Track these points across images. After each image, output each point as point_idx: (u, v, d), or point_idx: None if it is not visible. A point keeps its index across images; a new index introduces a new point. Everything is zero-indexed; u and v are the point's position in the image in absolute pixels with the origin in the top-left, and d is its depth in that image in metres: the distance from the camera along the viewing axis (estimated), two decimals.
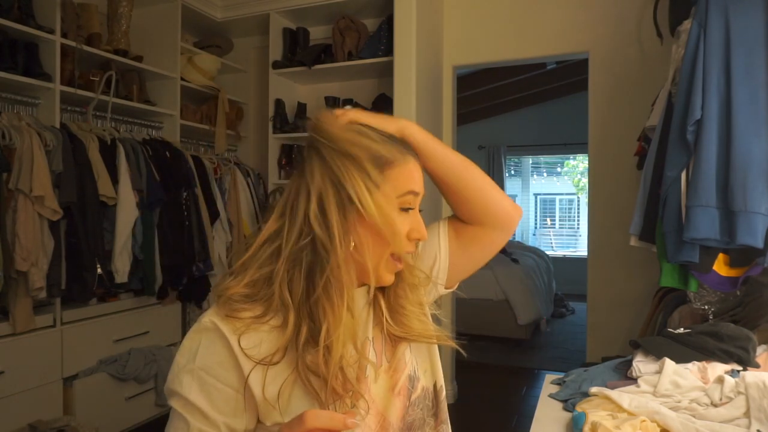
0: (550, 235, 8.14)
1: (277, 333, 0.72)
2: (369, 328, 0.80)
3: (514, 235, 7.97)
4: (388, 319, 0.81)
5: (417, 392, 0.82)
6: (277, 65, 3.32)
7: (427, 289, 0.87)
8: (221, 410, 0.69)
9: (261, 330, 0.71)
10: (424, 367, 0.86)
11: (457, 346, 0.82)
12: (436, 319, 0.91)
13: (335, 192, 0.72)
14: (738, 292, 1.74)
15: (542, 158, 8.11)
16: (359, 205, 0.71)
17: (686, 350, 1.33)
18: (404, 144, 0.79)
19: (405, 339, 0.82)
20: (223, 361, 0.70)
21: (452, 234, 0.89)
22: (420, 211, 0.80)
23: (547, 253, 6.81)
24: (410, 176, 0.77)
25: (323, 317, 0.70)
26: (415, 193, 0.78)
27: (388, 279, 0.78)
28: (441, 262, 0.88)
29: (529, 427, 1.20)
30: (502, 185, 7.67)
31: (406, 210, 0.77)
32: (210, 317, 0.72)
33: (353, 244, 0.73)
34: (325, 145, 0.73)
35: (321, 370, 0.69)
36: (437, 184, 0.86)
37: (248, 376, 0.69)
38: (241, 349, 0.69)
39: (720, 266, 1.65)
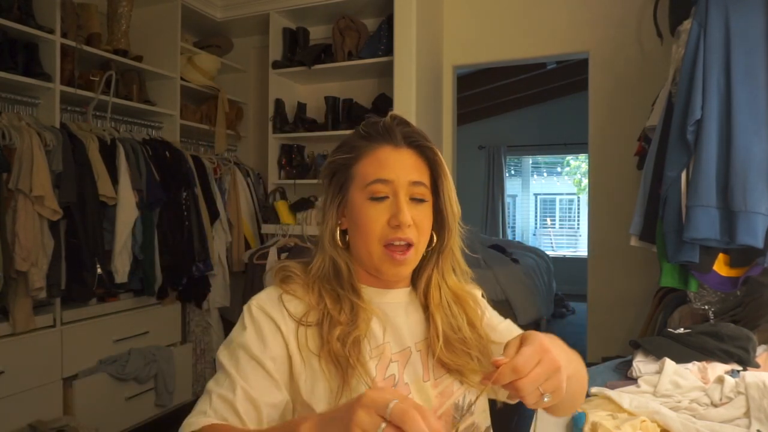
0: (550, 235, 8.13)
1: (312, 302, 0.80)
2: (411, 336, 0.82)
3: (514, 234, 7.97)
4: (441, 344, 0.81)
5: (465, 424, 0.81)
6: (277, 65, 3.32)
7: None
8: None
9: (302, 298, 0.79)
10: (483, 407, 0.86)
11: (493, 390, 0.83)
12: None
13: (325, 196, 0.85)
14: (738, 292, 1.74)
15: (542, 158, 8.10)
16: (335, 202, 0.83)
17: (686, 350, 1.33)
18: (386, 133, 0.81)
19: (448, 368, 0.81)
20: (266, 335, 0.75)
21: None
22: (422, 201, 0.80)
23: (548, 253, 6.80)
24: (378, 165, 0.79)
25: (330, 299, 0.79)
26: (384, 181, 0.78)
27: (390, 271, 0.79)
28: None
29: (529, 427, 1.20)
30: (502, 185, 7.65)
31: (377, 199, 0.78)
32: (254, 299, 0.79)
33: (347, 237, 0.83)
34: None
35: (340, 343, 0.74)
36: None
37: (288, 340, 0.75)
38: (283, 304, 0.77)
39: (720, 266, 1.65)
